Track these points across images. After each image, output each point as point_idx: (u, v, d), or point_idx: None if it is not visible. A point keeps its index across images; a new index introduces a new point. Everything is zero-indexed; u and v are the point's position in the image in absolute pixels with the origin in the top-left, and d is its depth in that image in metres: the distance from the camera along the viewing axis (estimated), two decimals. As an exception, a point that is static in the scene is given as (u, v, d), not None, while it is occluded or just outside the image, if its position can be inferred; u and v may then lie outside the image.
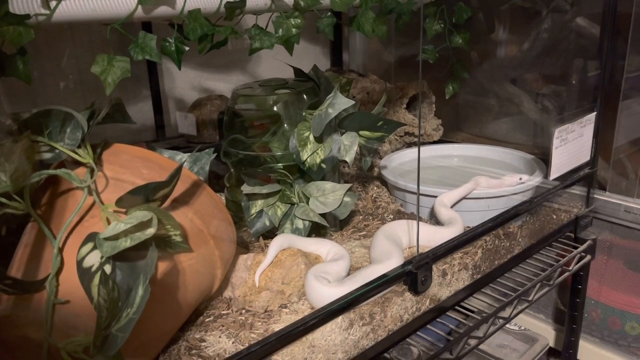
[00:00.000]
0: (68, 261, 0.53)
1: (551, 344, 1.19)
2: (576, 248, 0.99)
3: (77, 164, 0.57)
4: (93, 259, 0.50)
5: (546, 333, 1.20)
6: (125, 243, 0.50)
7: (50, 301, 0.50)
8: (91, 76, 0.70)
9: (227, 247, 0.65)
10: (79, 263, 0.50)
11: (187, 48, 0.75)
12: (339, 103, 0.74)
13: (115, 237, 0.50)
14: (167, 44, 0.75)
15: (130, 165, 0.59)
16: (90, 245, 0.51)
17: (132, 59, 0.72)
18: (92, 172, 0.56)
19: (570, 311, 1.07)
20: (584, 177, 1.00)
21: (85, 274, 0.50)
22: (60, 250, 0.53)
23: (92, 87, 1.09)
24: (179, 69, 0.77)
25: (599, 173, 1.06)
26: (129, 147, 0.61)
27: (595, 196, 1.05)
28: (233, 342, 0.62)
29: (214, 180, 0.95)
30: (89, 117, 0.59)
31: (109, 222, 0.53)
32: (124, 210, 0.54)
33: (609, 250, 1.10)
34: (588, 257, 1.00)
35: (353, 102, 0.75)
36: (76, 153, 0.56)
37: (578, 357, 1.12)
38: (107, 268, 0.50)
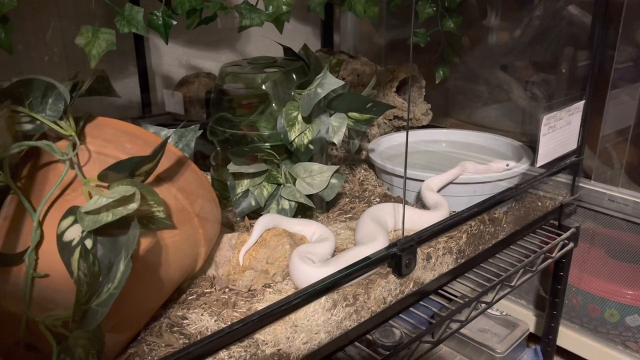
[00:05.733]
0: (48, 235, 0.52)
1: (531, 329, 1.21)
2: (560, 235, 0.99)
3: (59, 136, 0.56)
4: (74, 233, 0.49)
5: (527, 319, 1.21)
6: (107, 217, 0.49)
7: (29, 274, 0.50)
8: (76, 50, 0.68)
9: (212, 226, 0.64)
10: (59, 237, 0.49)
11: (174, 22, 0.74)
12: (328, 83, 0.73)
13: (97, 211, 0.49)
14: (155, 17, 0.74)
15: (114, 140, 0.58)
16: (70, 218, 0.50)
17: (118, 32, 0.70)
18: (74, 145, 0.55)
19: (551, 297, 1.08)
20: (570, 165, 1.00)
21: (65, 248, 0.49)
22: (40, 223, 0.52)
23: (78, 61, 1.06)
24: (166, 43, 0.75)
25: (585, 162, 1.07)
26: (113, 121, 0.60)
27: (580, 184, 1.05)
28: (215, 321, 0.62)
29: (200, 160, 0.94)
30: (72, 88, 0.58)
31: (90, 197, 0.52)
32: (106, 184, 0.53)
33: (591, 239, 1.11)
34: (571, 244, 1.00)
35: (342, 82, 0.74)
36: (58, 125, 0.55)
37: (557, 343, 1.14)
38: (88, 242, 0.50)
